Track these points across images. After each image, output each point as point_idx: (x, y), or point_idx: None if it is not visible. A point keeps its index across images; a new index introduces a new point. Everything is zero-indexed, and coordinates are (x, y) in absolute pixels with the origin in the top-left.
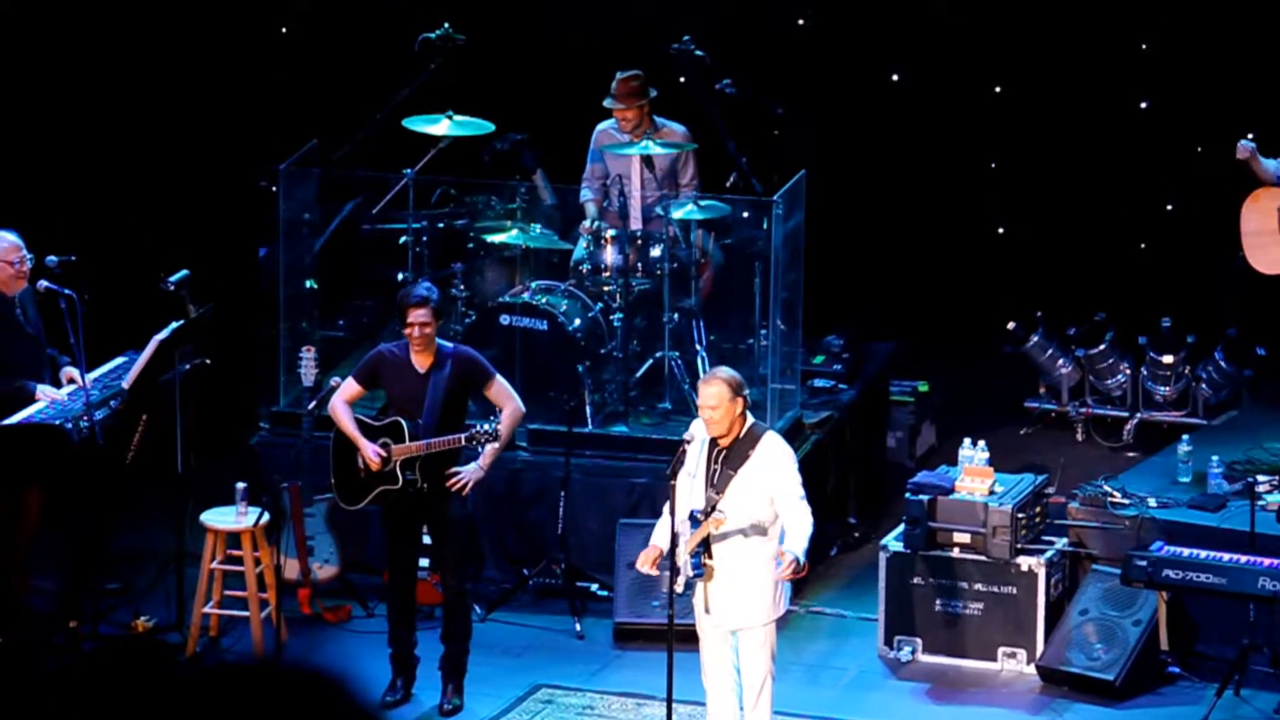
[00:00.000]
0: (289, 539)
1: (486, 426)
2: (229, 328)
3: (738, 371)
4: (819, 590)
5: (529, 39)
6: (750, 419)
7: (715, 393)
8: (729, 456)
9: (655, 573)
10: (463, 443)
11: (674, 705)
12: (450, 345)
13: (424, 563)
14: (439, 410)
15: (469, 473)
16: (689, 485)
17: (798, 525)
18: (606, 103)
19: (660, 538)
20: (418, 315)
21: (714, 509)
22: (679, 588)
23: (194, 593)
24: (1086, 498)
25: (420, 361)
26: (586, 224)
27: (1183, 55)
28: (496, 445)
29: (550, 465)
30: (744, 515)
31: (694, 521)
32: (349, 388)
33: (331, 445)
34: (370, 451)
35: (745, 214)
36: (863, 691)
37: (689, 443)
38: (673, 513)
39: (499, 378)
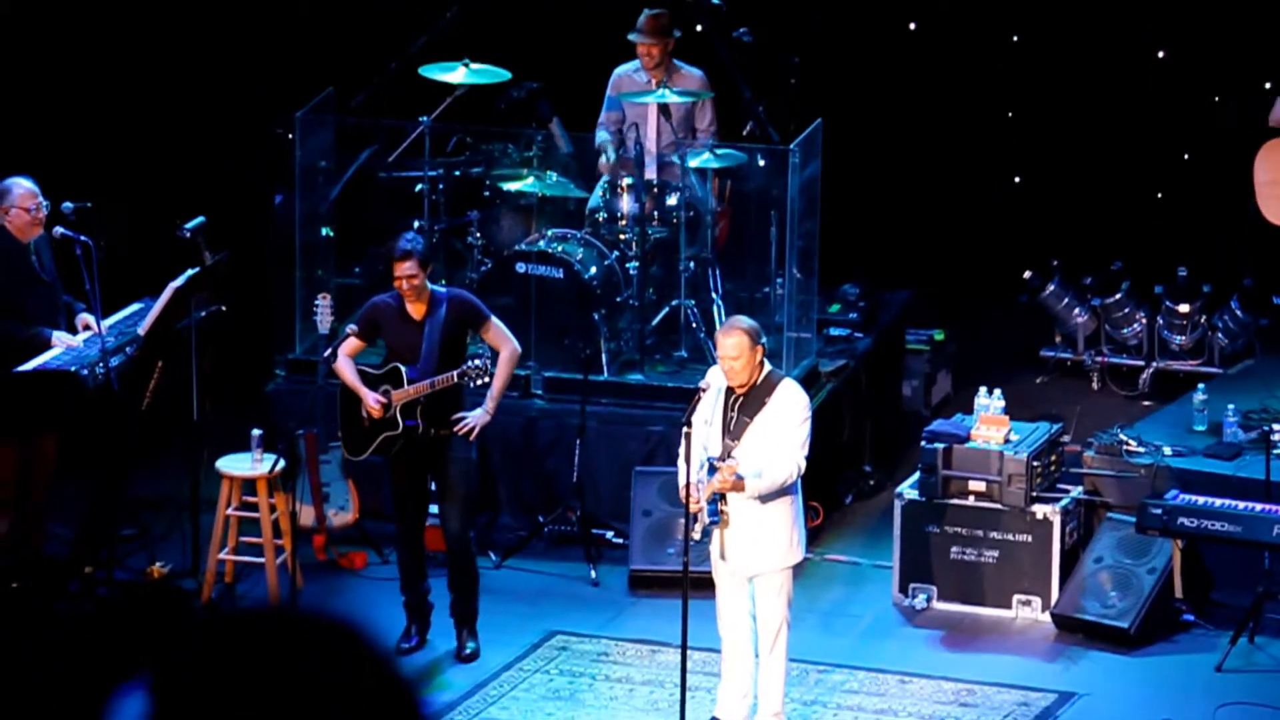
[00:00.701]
0: (304, 486)
1: (476, 362)
2: (245, 275)
3: (754, 319)
4: (834, 538)
5: None
6: (768, 366)
7: (736, 343)
8: (746, 404)
9: (698, 505)
10: (454, 380)
11: (689, 652)
12: (444, 289)
13: (435, 509)
14: (436, 355)
15: (474, 417)
16: (705, 433)
17: (776, 462)
18: (632, 37)
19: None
20: (403, 269)
21: (729, 456)
22: (695, 535)
23: (209, 539)
24: (1102, 446)
25: (415, 310)
26: (604, 162)
27: (1201, 5)
28: (497, 386)
29: (566, 413)
30: (761, 462)
31: (711, 469)
32: (351, 341)
33: (338, 398)
34: (371, 399)
35: (762, 162)
36: (877, 639)
37: (704, 390)
38: (687, 459)
39: (495, 319)
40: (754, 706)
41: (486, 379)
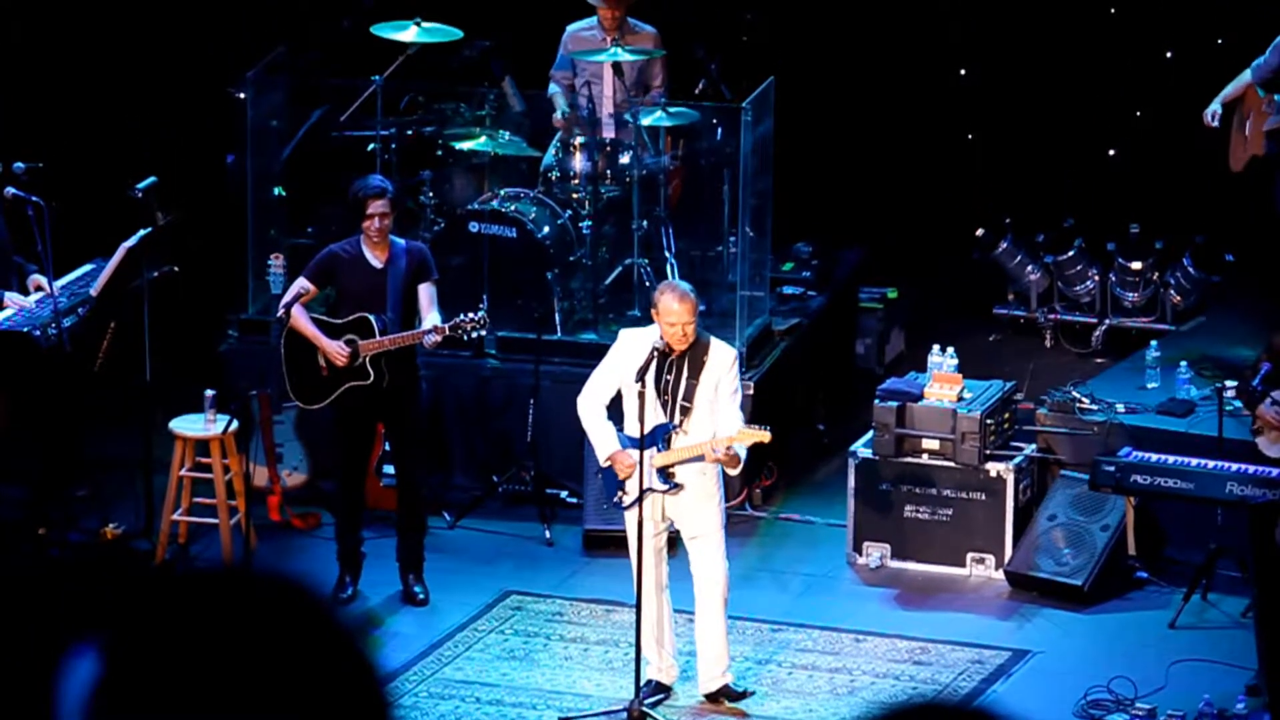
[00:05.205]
0: (258, 446)
1: (473, 315)
2: (197, 235)
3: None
4: (787, 497)
5: None
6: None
7: (691, 307)
8: (685, 366)
9: (630, 471)
10: (447, 332)
11: (643, 611)
12: (403, 241)
13: (389, 470)
14: (400, 305)
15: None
16: (610, 391)
17: (736, 422)
18: (593, 0)
19: (610, 445)
20: (378, 206)
21: (680, 422)
22: (625, 501)
23: (163, 500)
24: (1055, 404)
25: (377, 256)
26: (558, 117)
27: None
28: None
29: (519, 373)
30: (709, 422)
31: (659, 437)
32: (302, 289)
33: (283, 348)
34: (334, 349)
35: (715, 121)
36: (831, 598)
37: (658, 350)
38: (641, 419)
39: (434, 287)
40: (680, 666)
41: (482, 332)
